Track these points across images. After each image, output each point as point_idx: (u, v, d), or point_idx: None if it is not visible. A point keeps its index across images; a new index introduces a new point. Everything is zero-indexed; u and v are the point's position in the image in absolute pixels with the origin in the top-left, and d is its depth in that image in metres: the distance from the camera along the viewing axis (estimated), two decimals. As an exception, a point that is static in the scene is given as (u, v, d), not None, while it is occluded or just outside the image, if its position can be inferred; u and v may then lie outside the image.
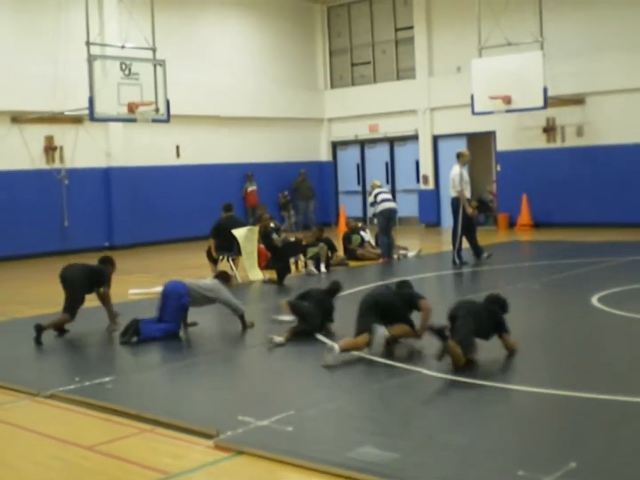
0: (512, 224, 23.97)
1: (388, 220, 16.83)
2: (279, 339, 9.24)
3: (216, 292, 10.15)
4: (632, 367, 7.89)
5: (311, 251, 15.96)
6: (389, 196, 17.52)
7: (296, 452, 5.64)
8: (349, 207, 27.19)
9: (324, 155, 28.56)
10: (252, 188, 25.36)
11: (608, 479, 5.02)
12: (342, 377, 7.92)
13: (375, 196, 17.01)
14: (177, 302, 9.96)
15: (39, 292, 14.48)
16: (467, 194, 15.93)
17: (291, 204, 26.72)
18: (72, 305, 10.24)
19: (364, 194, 27.14)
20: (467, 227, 15.80)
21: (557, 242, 19.32)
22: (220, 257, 15.04)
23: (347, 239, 17.81)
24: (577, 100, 22.70)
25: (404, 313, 8.75)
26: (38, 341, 9.78)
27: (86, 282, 10.43)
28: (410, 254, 17.67)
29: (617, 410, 6.41)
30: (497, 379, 7.33)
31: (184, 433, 6.25)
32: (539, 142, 23.66)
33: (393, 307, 8.66)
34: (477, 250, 15.90)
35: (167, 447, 6.03)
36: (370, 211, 17.40)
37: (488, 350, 8.85)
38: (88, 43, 18.12)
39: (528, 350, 8.89)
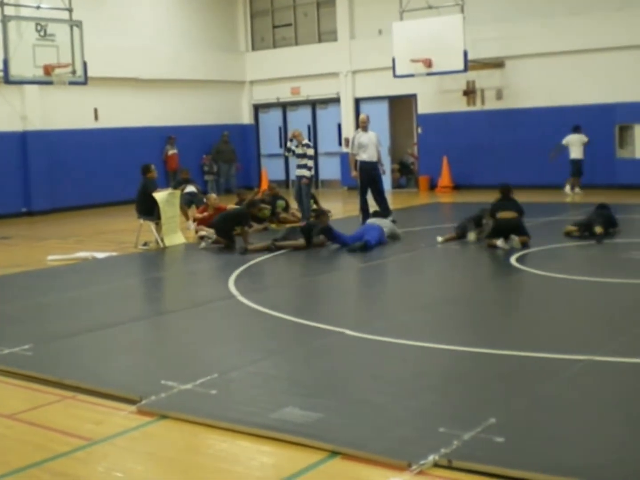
0: (432, 186, 24.23)
1: (299, 187, 16.98)
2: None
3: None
4: (550, 325, 8.08)
5: (279, 204, 17.40)
6: (304, 161, 17.03)
7: (220, 415, 5.66)
8: (271, 170, 27.13)
9: (246, 118, 28.37)
10: (172, 151, 25.05)
11: (527, 434, 5.14)
12: (266, 339, 7.95)
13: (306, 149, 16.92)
14: (378, 236, 13.35)
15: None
16: (365, 157, 16.27)
17: (214, 167, 26.50)
18: None
19: (286, 157, 27.05)
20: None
21: (477, 204, 19.49)
22: (141, 221, 14.86)
23: (272, 204, 17.73)
24: (496, 63, 22.96)
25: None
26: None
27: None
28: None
29: (535, 367, 6.56)
30: (420, 339, 7.43)
31: (107, 399, 6.20)
32: (459, 105, 23.90)
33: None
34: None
35: (89, 414, 5.98)
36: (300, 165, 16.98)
37: (415, 310, 8.98)
38: (2, 3, 17.58)
39: (449, 310, 9.05)
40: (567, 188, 21.29)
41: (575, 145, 21.04)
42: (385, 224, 14.08)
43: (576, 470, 4.55)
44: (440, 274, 11.62)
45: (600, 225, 12.99)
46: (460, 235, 13.55)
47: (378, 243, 13.32)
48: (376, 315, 9.03)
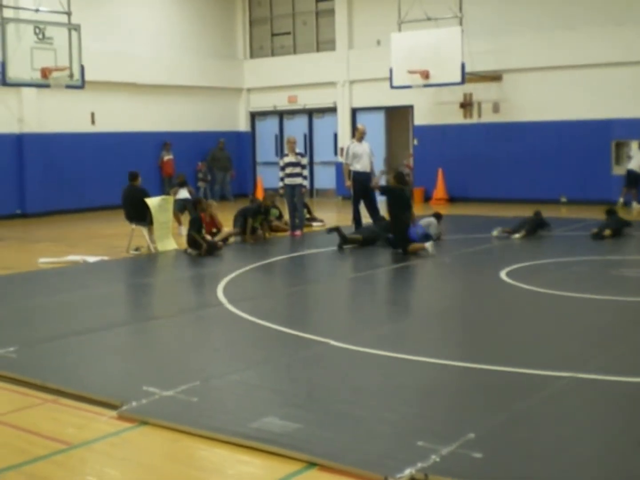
0: (427, 197, 24.24)
1: (291, 195, 16.88)
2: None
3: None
4: (535, 340, 8.06)
5: (273, 213, 17.47)
6: (297, 169, 16.99)
7: (200, 423, 5.64)
8: (266, 178, 27.10)
9: (243, 126, 28.40)
10: (168, 157, 25.06)
11: (505, 450, 5.13)
12: (250, 348, 7.94)
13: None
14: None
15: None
16: (359, 167, 16.37)
17: (208, 174, 26.47)
18: None
19: (282, 167, 27.00)
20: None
21: (471, 217, 19.61)
22: (133, 226, 14.85)
23: (266, 211, 17.70)
24: (494, 76, 23.01)
25: None
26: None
27: None
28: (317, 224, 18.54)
29: (517, 383, 6.54)
30: (403, 351, 7.42)
31: (88, 404, 6.19)
32: (456, 118, 23.95)
33: None
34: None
35: (70, 418, 5.97)
36: (280, 174, 17.17)
37: (401, 322, 8.98)
38: (1, 6, 17.62)
39: (435, 323, 9.05)
40: (634, 204, 20.90)
41: (636, 156, 21.09)
42: (432, 225, 15.24)
43: (552, 486, 4.55)
44: (428, 287, 11.62)
45: (610, 229, 14.85)
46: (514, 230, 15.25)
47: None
48: (362, 326, 9.00)
